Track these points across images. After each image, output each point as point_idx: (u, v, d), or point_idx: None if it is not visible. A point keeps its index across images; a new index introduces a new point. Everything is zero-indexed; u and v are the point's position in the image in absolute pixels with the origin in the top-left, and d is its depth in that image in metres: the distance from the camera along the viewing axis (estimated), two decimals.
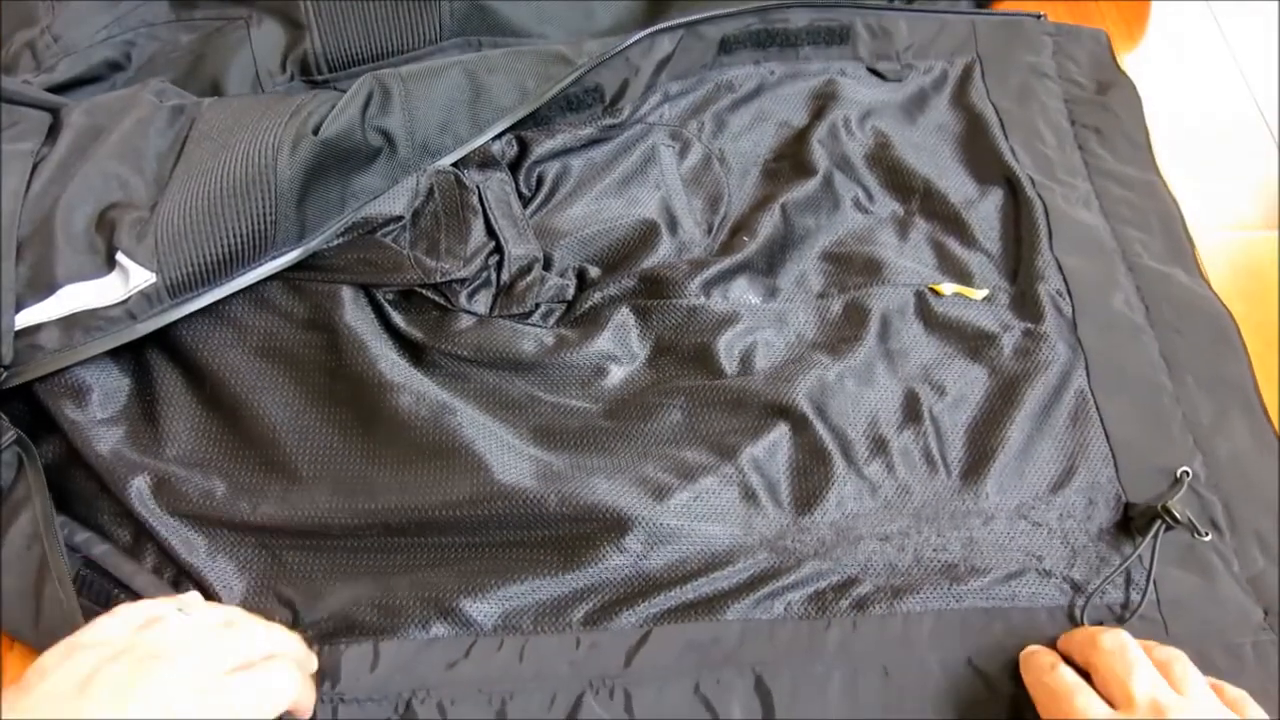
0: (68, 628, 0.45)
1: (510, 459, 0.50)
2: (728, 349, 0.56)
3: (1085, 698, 0.42)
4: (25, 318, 0.50)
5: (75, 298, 0.50)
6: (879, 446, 0.52)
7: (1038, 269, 0.59)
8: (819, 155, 0.64)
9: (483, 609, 0.47)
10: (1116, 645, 0.44)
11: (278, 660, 0.41)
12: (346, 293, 0.55)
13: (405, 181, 0.57)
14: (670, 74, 0.67)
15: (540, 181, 0.63)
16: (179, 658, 0.38)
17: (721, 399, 0.54)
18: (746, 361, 0.56)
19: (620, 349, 0.57)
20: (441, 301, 0.56)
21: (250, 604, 0.48)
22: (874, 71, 0.70)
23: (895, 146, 0.65)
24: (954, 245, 0.61)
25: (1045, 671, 0.44)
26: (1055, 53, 0.72)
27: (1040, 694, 0.44)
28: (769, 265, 0.61)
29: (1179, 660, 0.43)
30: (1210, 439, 0.54)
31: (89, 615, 0.45)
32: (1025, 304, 0.58)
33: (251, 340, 0.55)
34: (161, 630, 0.40)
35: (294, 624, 0.47)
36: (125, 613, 0.41)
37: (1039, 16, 0.73)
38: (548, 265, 0.59)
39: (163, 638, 0.39)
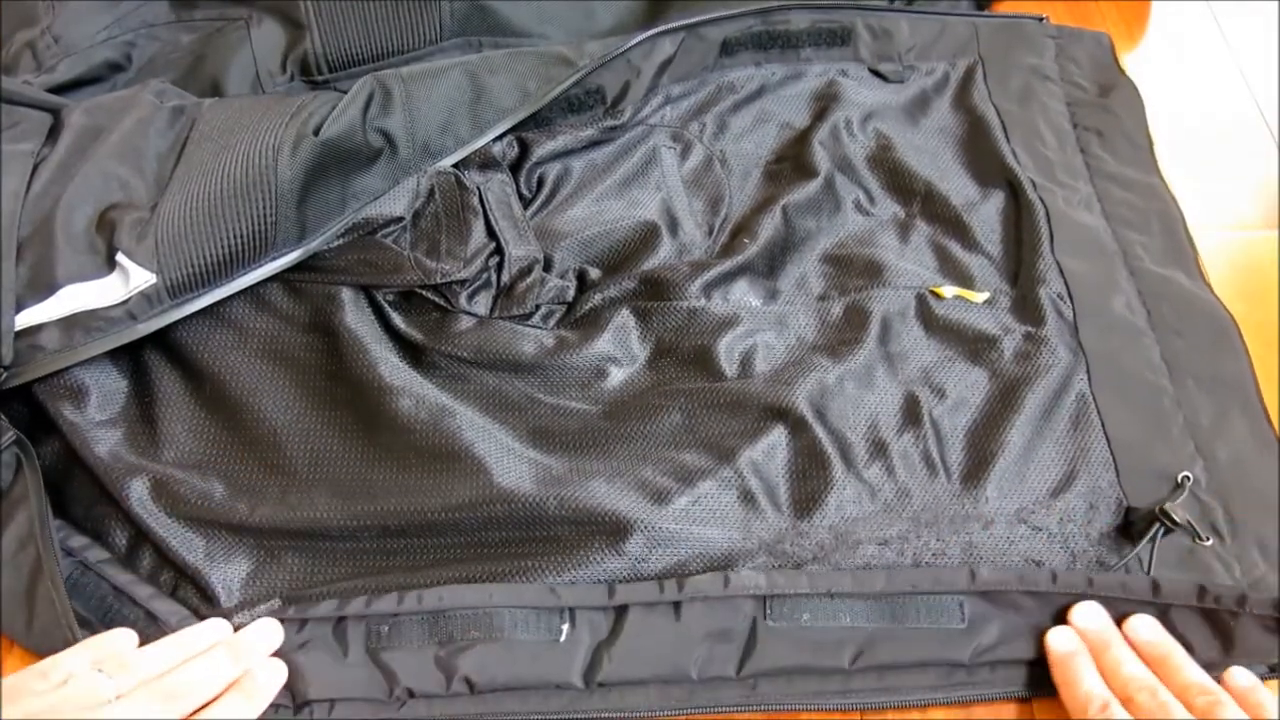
0: (60, 630, 0.45)
1: (510, 462, 0.50)
2: (728, 351, 0.56)
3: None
4: (25, 318, 0.50)
5: (75, 298, 0.50)
6: (878, 450, 0.52)
7: (1039, 272, 0.59)
8: (820, 157, 0.64)
9: None
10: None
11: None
12: (347, 295, 0.55)
13: (406, 182, 0.57)
14: (672, 76, 0.67)
15: (541, 183, 0.63)
16: None
17: (721, 401, 0.53)
18: (746, 364, 0.56)
19: (620, 351, 0.57)
20: (441, 303, 0.56)
21: (248, 605, 0.47)
22: (876, 73, 0.70)
23: (897, 149, 0.65)
24: (955, 248, 0.61)
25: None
26: (1057, 55, 0.71)
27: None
28: (770, 267, 0.60)
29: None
30: (1211, 442, 0.54)
31: (81, 620, 0.45)
32: (1026, 307, 0.58)
33: (252, 343, 0.55)
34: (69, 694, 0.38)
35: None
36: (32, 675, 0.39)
37: (1041, 19, 0.73)
38: (548, 267, 0.59)
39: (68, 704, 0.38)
